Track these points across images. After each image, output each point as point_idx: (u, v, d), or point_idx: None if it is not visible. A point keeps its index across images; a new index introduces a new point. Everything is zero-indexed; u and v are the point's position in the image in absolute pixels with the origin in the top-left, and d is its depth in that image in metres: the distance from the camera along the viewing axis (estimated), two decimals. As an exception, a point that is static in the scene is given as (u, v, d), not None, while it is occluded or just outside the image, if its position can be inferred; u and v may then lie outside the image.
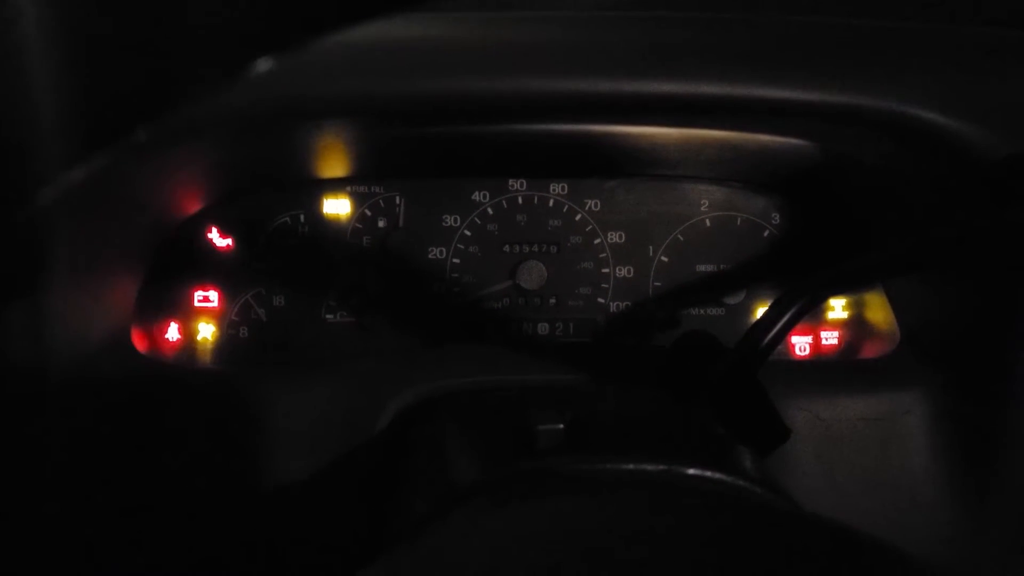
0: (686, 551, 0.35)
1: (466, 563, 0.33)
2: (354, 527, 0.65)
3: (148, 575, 0.67)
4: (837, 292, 0.75)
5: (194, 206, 0.76)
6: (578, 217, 0.82)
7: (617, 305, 0.83)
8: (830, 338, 0.84)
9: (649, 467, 0.42)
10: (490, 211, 0.81)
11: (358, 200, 0.80)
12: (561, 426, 0.48)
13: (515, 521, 0.35)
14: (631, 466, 0.42)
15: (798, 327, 0.82)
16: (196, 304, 0.78)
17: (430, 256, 0.81)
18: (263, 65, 0.27)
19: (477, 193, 0.81)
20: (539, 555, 0.33)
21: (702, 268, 0.83)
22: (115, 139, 0.28)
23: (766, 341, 0.57)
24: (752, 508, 0.38)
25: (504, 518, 0.35)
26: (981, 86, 0.63)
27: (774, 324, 0.58)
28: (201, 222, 0.77)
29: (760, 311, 0.84)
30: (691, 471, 0.41)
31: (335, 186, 0.79)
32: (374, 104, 0.61)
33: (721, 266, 0.83)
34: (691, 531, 0.36)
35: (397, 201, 0.80)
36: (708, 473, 0.42)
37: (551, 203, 0.82)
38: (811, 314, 0.83)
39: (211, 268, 0.78)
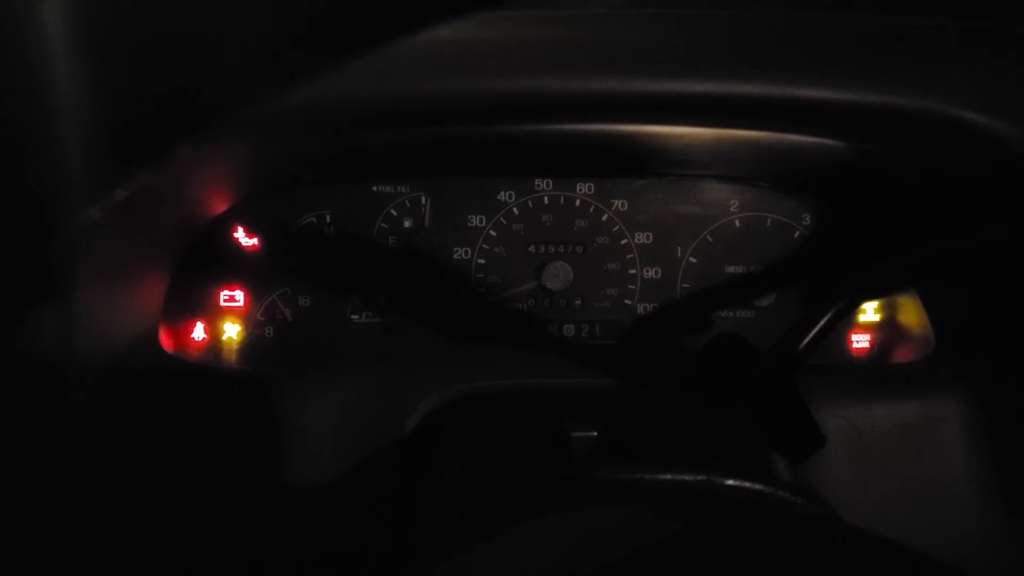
0: (724, 564, 0.34)
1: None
2: (381, 529, 0.64)
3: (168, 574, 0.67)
4: (877, 294, 0.73)
5: (221, 206, 0.76)
6: (605, 217, 0.81)
7: (644, 307, 0.82)
8: (861, 341, 0.82)
9: (687, 477, 0.41)
10: (516, 211, 0.81)
11: (384, 200, 0.79)
12: (595, 433, 0.48)
13: (553, 533, 0.34)
14: (669, 476, 0.41)
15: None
16: (222, 304, 0.78)
17: (455, 256, 0.80)
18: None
19: (503, 193, 0.80)
20: (577, 567, 0.33)
21: (731, 269, 0.82)
22: (157, 156, 0.27)
23: (804, 344, 0.56)
24: (794, 520, 0.37)
25: (542, 529, 0.34)
26: (1021, 86, 0.62)
27: (812, 326, 0.57)
28: (227, 222, 0.77)
29: (791, 314, 0.82)
30: (730, 482, 0.41)
31: (361, 186, 0.79)
32: (403, 106, 0.61)
33: (751, 268, 0.82)
34: (730, 543, 0.35)
35: (423, 201, 0.79)
36: (748, 484, 0.41)
37: (577, 203, 0.81)
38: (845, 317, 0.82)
39: (237, 268, 0.78)
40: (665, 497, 0.39)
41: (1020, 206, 0.63)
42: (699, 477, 0.41)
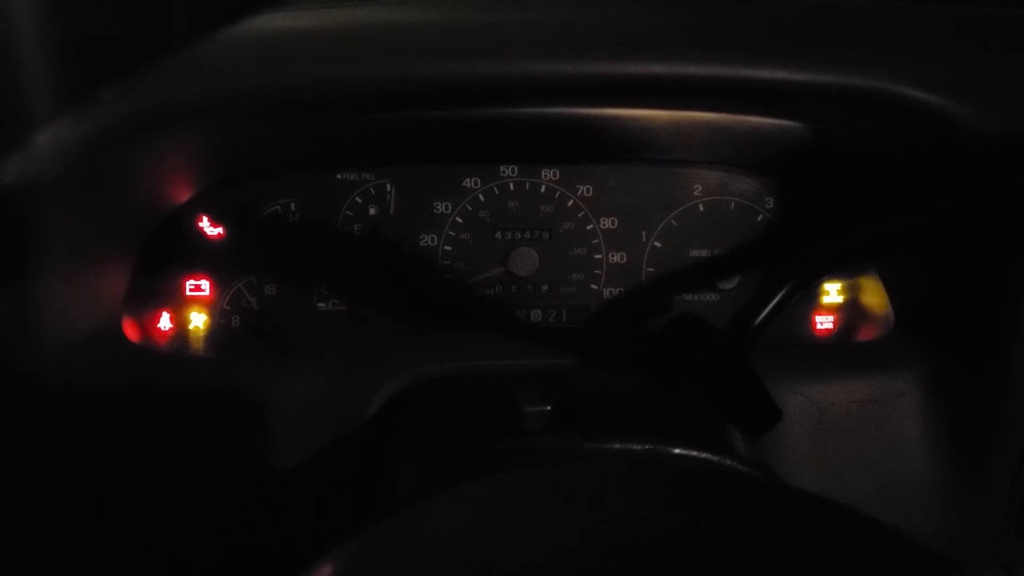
0: (665, 524, 0.34)
1: (442, 538, 0.33)
2: (345, 511, 0.65)
3: (141, 562, 0.67)
4: (828, 272, 0.74)
5: (185, 194, 0.76)
6: (570, 203, 0.82)
7: (610, 291, 0.83)
8: (825, 322, 0.83)
9: (635, 446, 0.41)
10: (481, 197, 0.81)
11: (349, 187, 0.79)
12: (548, 407, 0.48)
13: (498, 497, 0.35)
14: (617, 445, 0.41)
15: (794, 311, 0.83)
16: (188, 293, 0.78)
17: (421, 243, 0.81)
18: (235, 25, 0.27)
19: (468, 179, 0.81)
20: (521, 529, 0.33)
21: (695, 253, 0.83)
22: (81, 97, 0.27)
23: (757, 322, 0.57)
24: (738, 484, 0.38)
25: (487, 494, 0.35)
26: (970, 64, 0.63)
27: (765, 305, 0.58)
28: (192, 210, 0.77)
29: (754, 295, 0.83)
30: (677, 450, 0.41)
31: (325, 174, 0.79)
32: (363, 89, 0.61)
33: (715, 251, 0.83)
34: (673, 504, 0.35)
35: (388, 188, 0.80)
36: (694, 452, 0.42)
37: (543, 189, 0.82)
38: (805, 297, 0.83)
39: (202, 257, 0.78)
40: (611, 463, 0.39)
41: (972, 185, 0.65)
42: (647, 446, 0.41)
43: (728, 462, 0.41)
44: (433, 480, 0.41)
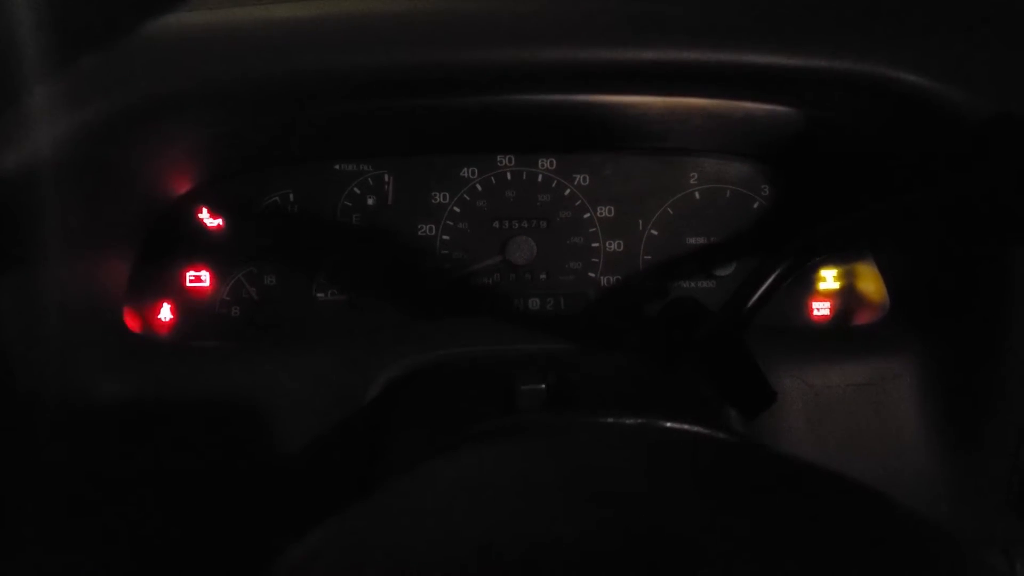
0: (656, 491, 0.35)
1: (429, 508, 0.33)
2: (344, 499, 0.65)
3: (142, 551, 0.67)
4: (822, 253, 0.75)
5: (184, 186, 0.77)
6: (567, 192, 0.82)
7: (608, 279, 0.83)
8: (822, 308, 0.83)
9: (627, 420, 0.42)
10: (479, 187, 0.82)
11: (347, 178, 0.80)
12: (543, 386, 0.49)
13: (485, 466, 0.35)
14: (609, 420, 0.42)
15: (791, 298, 0.83)
16: (188, 284, 0.79)
17: (419, 233, 0.81)
18: None
19: (465, 169, 0.81)
20: (500, 502, 0.33)
21: (692, 241, 0.83)
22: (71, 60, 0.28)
23: (751, 303, 0.57)
24: (730, 453, 0.39)
25: (476, 463, 0.35)
26: (966, 48, 0.63)
27: (759, 286, 0.58)
28: (192, 202, 0.78)
29: (751, 282, 0.83)
30: (668, 424, 0.42)
31: (324, 164, 0.80)
32: (358, 78, 0.61)
33: (711, 238, 0.83)
34: (661, 471, 0.36)
35: (385, 179, 0.80)
36: (686, 426, 0.42)
37: (540, 178, 0.82)
38: (801, 282, 0.83)
39: (202, 248, 0.79)
40: (599, 434, 0.40)
41: (966, 169, 0.65)
42: (638, 420, 0.42)
43: (720, 435, 0.42)
44: (413, 461, 0.42)
